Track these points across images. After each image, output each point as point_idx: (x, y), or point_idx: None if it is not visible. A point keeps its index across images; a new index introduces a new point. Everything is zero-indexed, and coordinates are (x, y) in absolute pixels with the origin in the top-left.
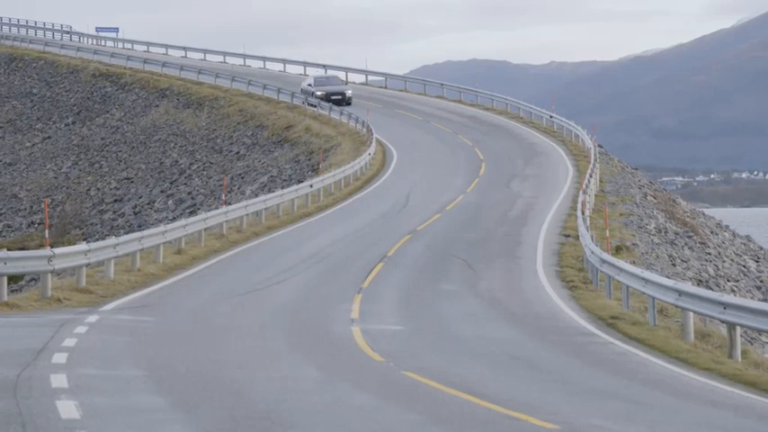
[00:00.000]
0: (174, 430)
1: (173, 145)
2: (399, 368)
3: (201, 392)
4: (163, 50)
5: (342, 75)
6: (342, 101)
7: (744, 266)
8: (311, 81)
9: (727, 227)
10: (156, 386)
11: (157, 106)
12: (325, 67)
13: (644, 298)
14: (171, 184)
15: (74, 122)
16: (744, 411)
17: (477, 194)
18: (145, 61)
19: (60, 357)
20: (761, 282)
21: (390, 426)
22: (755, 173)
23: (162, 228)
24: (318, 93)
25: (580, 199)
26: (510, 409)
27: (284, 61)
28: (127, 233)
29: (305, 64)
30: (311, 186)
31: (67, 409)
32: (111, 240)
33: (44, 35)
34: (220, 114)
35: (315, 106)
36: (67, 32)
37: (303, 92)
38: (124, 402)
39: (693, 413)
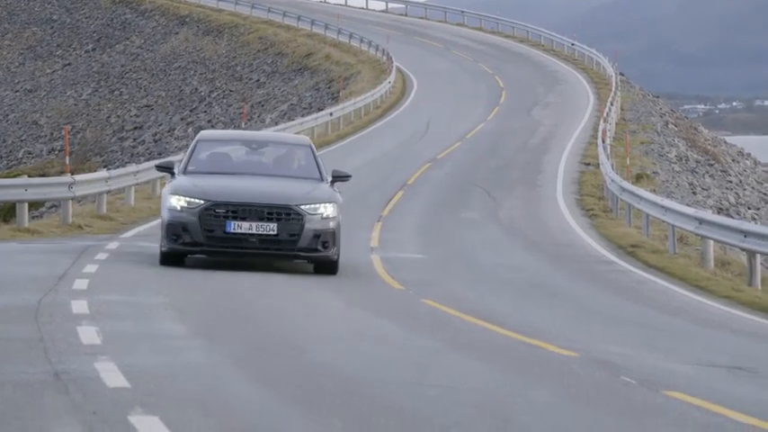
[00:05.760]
0: (196, 356)
1: (192, 72)
2: (419, 296)
3: (222, 320)
4: None
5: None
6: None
7: (765, 194)
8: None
9: (748, 155)
10: (177, 314)
11: (177, 33)
12: None
13: (664, 226)
14: (191, 111)
15: (94, 49)
16: (763, 337)
17: (497, 122)
18: None
19: (81, 283)
20: None
21: (410, 352)
22: None
23: (182, 155)
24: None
25: (601, 127)
26: (529, 337)
27: None
28: (147, 160)
29: None
30: (331, 114)
31: (89, 334)
32: (132, 167)
33: None
34: (240, 42)
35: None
36: None
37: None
38: (145, 329)
39: (712, 339)
